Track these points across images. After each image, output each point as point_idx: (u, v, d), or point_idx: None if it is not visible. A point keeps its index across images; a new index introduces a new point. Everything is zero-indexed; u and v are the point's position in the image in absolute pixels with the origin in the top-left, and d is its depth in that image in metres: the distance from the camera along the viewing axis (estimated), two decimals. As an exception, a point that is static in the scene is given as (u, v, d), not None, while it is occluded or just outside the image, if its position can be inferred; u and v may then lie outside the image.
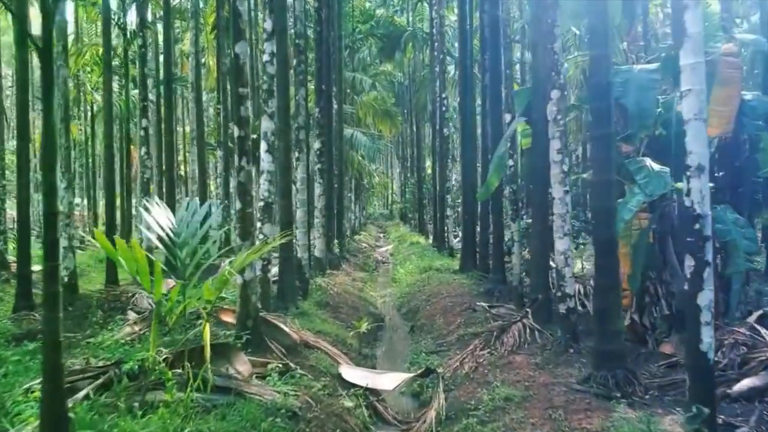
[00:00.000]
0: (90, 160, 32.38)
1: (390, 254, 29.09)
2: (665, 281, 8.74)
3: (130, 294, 10.90)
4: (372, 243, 34.39)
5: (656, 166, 8.01)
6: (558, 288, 8.12)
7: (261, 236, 8.03)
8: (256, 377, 6.21)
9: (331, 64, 16.94)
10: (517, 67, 18.82)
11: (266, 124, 8.18)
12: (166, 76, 16.38)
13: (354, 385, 6.89)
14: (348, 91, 26.47)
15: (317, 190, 14.47)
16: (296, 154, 11.18)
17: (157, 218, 5.24)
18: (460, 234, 25.32)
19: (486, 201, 14.95)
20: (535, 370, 7.11)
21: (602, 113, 6.49)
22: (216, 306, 8.51)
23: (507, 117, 11.30)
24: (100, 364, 6.09)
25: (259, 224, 8.03)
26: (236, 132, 6.83)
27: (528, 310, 9.45)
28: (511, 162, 11.11)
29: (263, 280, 7.95)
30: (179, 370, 5.24)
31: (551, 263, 10.14)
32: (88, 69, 29.49)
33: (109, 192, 12.72)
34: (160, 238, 5.18)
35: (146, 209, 5.25)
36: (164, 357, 5.45)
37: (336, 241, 18.56)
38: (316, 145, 14.48)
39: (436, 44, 23.48)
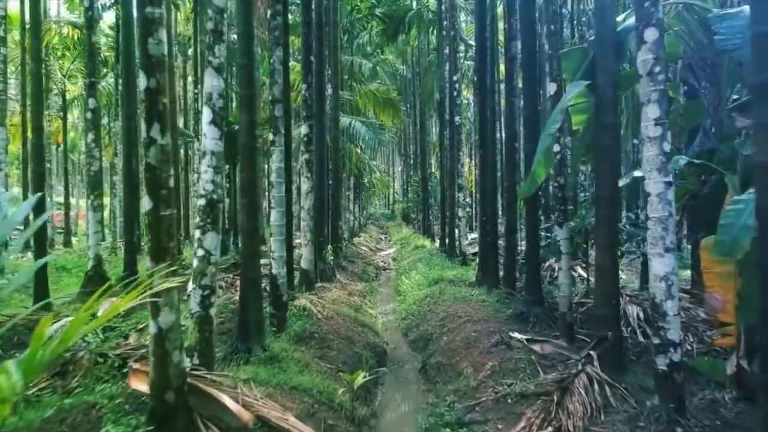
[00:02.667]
0: (62, 155, 29.63)
1: (392, 259, 26.32)
2: (780, 311, 6.06)
3: (55, 319, 8.19)
4: (373, 246, 31.59)
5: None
6: (656, 331, 5.32)
7: (200, 252, 5.25)
8: None
9: (323, 36, 14.16)
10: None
11: (210, 82, 5.40)
12: (124, 53, 13.58)
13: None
14: (346, 77, 23.68)
15: (304, 185, 11.68)
16: (271, 137, 8.40)
17: None
18: (471, 237, 22.57)
19: (512, 199, 12.16)
20: (639, 475, 4.34)
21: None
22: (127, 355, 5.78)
23: (552, 87, 8.50)
24: None
25: (197, 233, 5.26)
26: (143, 81, 4.06)
27: (592, 353, 6.70)
28: (557, 147, 8.31)
29: (204, 319, 5.16)
30: None
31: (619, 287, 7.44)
32: (59, 53, 26.79)
33: (36, 186, 9.93)
34: None
35: None
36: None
37: (330, 246, 15.77)
38: (304, 129, 11.69)
39: (445, 23, 20.74)
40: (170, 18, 20.31)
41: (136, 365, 4.78)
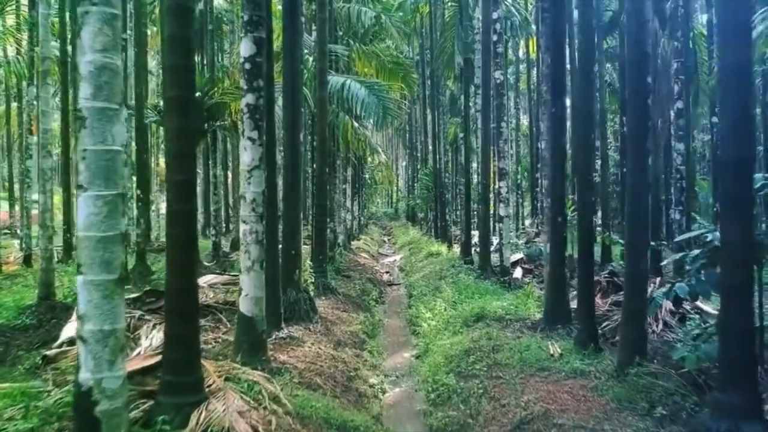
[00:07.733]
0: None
1: (400, 268, 20.70)
2: None
3: None
4: (374, 251, 25.96)
5: None
6: None
7: None
8: None
9: None
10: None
11: None
12: None
13: None
14: (341, 33, 18.05)
15: (246, 156, 6.10)
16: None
17: None
18: (509, 242, 16.90)
19: (643, 182, 6.52)
20: None
21: None
22: None
23: None
24: None
25: None
26: None
27: None
28: None
29: None
30: None
31: None
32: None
33: None
34: None
35: None
36: None
37: (309, 264, 10.17)
38: (244, 48, 6.12)
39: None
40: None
41: None
